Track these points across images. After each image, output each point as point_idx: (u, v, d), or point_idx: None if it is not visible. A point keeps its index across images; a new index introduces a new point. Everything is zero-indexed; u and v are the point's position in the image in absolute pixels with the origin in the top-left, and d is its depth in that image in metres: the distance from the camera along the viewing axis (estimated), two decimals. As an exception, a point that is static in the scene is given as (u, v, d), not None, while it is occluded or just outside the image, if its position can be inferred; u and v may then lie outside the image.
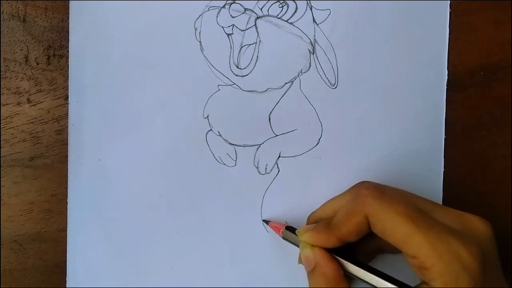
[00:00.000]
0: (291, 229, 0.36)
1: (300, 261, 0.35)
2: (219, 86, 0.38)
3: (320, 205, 0.37)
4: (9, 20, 0.37)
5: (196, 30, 0.38)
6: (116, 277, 0.38)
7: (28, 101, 0.38)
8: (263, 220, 0.38)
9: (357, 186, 0.33)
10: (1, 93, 0.37)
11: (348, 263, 0.32)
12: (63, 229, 0.38)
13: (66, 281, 0.38)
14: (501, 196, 0.40)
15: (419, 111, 0.39)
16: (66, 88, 0.38)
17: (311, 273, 0.33)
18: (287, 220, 0.38)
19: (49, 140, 0.38)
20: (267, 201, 0.38)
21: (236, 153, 0.38)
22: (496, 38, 0.39)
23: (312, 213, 0.37)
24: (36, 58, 0.37)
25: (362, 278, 0.32)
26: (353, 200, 0.32)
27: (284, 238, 0.36)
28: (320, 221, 0.35)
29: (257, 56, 0.38)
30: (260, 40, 0.38)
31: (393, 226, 0.30)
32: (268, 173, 0.39)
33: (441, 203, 0.39)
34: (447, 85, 0.39)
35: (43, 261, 0.39)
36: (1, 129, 0.38)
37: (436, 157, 0.39)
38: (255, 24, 0.37)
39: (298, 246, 0.35)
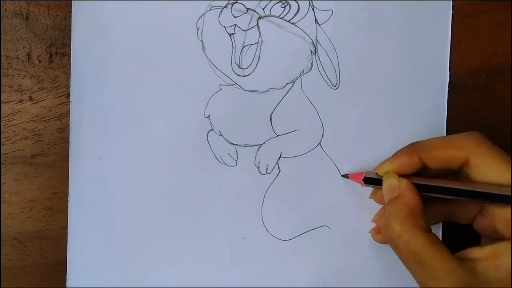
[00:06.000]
0: (370, 174, 0.36)
1: (372, 196, 0.37)
2: (221, 85, 0.38)
3: (323, 204, 0.37)
4: (12, 18, 0.37)
5: (198, 29, 0.38)
6: (116, 275, 0.38)
7: (30, 99, 0.38)
8: (343, 175, 0.38)
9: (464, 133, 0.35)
10: (3, 90, 0.37)
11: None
12: (64, 227, 0.38)
13: (66, 279, 0.38)
14: (502, 199, 0.40)
15: (420, 113, 0.39)
16: (68, 86, 0.38)
17: (393, 201, 0.34)
18: (289, 220, 0.38)
19: (51, 138, 0.38)
20: (267, 201, 0.38)
21: (237, 153, 0.38)
22: (498, 40, 0.39)
23: None
24: (38, 56, 0.38)
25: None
26: (460, 135, 0.34)
27: (366, 184, 0.36)
28: None
29: (259, 56, 0.38)
30: (262, 40, 0.38)
31: (497, 171, 0.32)
32: (269, 173, 0.39)
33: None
34: (449, 86, 0.39)
35: (44, 259, 0.39)
36: (3, 126, 0.38)
37: (437, 158, 0.39)
38: (257, 24, 0.37)
39: (379, 183, 0.35)
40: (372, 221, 0.38)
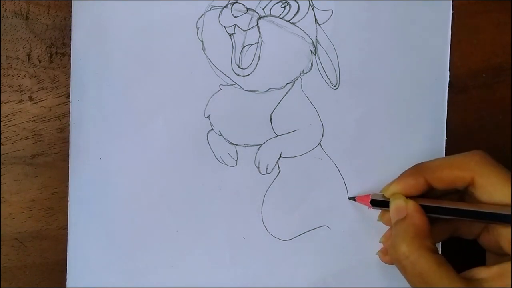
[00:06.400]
0: (377, 196, 0.37)
1: (380, 218, 0.37)
2: (221, 85, 0.38)
3: (323, 204, 0.37)
4: (12, 18, 0.37)
5: (198, 29, 0.38)
6: (116, 275, 0.38)
7: (30, 99, 0.38)
8: (350, 198, 0.38)
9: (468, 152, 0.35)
10: (3, 90, 0.37)
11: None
12: (64, 227, 0.38)
13: (66, 279, 0.38)
14: (502, 199, 0.40)
15: (420, 113, 0.39)
16: (68, 86, 0.38)
17: (400, 222, 0.34)
18: (289, 220, 0.38)
19: (51, 138, 0.38)
20: (267, 201, 0.38)
21: (237, 153, 0.38)
22: (498, 40, 0.39)
23: None
24: (38, 56, 0.38)
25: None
26: (463, 155, 0.34)
27: (373, 206, 0.36)
28: None
29: (259, 56, 0.38)
30: (262, 40, 0.38)
31: (502, 191, 0.32)
32: (269, 173, 0.39)
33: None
34: (449, 86, 0.39)
35: (44, 259, 0.39)
36: (3, 126, 0.38)
37: (437, 158, 0.39)
38: (257, 24, 0.37)
39: (387, 205, 0.35)
40: (379, 242, 0.38)
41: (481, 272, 0.31)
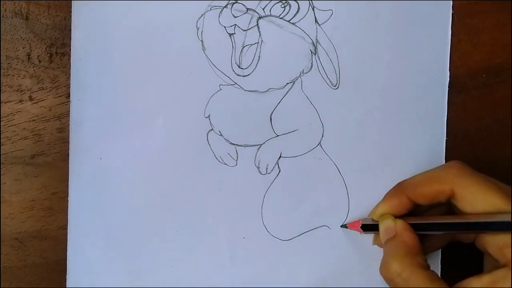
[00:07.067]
0: (367, 220, 0.37)
1: (374, 242, 0.37)
2: (221, 85, 0.38)
3: (323, 204, 0.37)
4: (12, 18, 0.37)
5: (198, 29, 0.38)
6: (116, 275, 0.38)
7: (30, 99, 0.38)
8: (341, 226, 0.39)
9: (445, 164, 0.35)
10: (3, 90, 0.37)
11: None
12: (64, 227, 0.38)
13: (66, 279, 0.38)
14: (502, 199, 0.40)
15: (420, 113, 0.39)
16: (68, 86, 0.38)
17: (390, 241, 0.34)
18: (289, 220, 0.38)
19: (51, 138, 0.38)
20: (267, 201, 0.38)
21: (237, 153, 0.38)
22: (498, 40, 0.39)
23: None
24: (38, 56, 0.38)
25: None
26: (441, 169, 0.34)
27: (365, 231, 0.37)
28: None
29: (259, 56, 0.38)
30: (262, 40, 0.38)
31: (482, 200, 0.32)
32: (269, 173, 0.39)
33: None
34: (448, 87, 0.39)
35: (44, 259, 0.39)
36: (3, 126, 0.38)
37: (437, 159, 0.39)
38: (257, 24, 0.37)
39: (378, 231, 0.35)
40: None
41: (473, 282, 0.31)
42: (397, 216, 0.35)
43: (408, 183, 0.35)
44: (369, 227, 0.37)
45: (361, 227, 0.37)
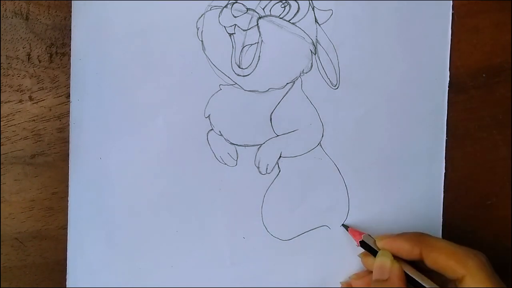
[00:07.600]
0: (369, 237, 0.36)
1: (361, 256, 0.37)
2: (221, 85, 0.38)
3: (323, 204, 0.37)
4: (12, 18, 0.37)
5: (198, 29, 0.38)
6: (116, 275, 0.38)
7: (30, 98, 0.38)
8: (343, 225, 0.38)
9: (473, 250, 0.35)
10: (3, 90, 0.37)
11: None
12: (64, 227, 0.38)
13: (66, 279, 0.38)
14: (502, 198, 0.40)
15: (420, 113, 0.39)
16: (68, 86, 0.38)
17: (381, 283, 0.34)
18: (289, 220, 0.38)
19: (51, 138, 0.38)
20: (267, 201, 0.38)
21: (237, 153, 0.38)
22: (498, 40, 0.39)
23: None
24: (38, 56, 0.38)
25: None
26: (466, 250, 0.33)
27: (361, 246, 0.37)
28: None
29: (259, 56, 0.38)
30: (262, 40, 0.38)
31: (439, 257, 0.33)
32: (269, 173, 0.39)
33: (441, 205, 0.39)
34: (448, 86, 0.39)
35: (44, 259, 0.39)
36: (3, 126, 0.38)
37: (437, 158, 0.39)
38: (257, 24, 0.37)
39: (373, 252, 0.35)
40: (349, 278, 0.38)
41: None
42: (397, 257, 0.35)
43: (430, 242, 0.34)
44: (367, 247, 0.36)
45: (360, 242, 0.36)
